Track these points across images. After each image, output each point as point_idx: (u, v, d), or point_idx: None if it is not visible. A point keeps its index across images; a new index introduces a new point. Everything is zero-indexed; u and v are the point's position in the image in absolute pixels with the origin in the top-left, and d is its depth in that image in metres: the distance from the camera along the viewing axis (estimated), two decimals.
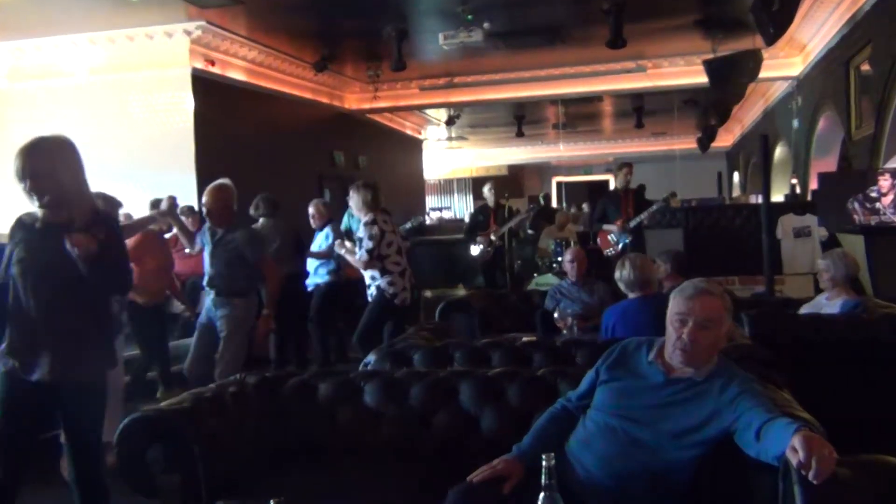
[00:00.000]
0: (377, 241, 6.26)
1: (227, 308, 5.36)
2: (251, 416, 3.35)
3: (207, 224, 5.57)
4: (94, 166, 9.99)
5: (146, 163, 9.36)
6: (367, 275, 6.46)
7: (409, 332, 4.95)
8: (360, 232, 6.35)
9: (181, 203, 7.86)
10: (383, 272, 6.35)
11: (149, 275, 6.55)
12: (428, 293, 10.35)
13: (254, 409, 3.39)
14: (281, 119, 11.50)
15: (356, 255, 6.39)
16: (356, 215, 6.54)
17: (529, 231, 12.39)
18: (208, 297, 5.55)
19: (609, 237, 8.74)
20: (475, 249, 9.90)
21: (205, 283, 5.56)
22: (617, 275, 4.83)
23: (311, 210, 8.12)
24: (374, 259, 6.27)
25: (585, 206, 17.76)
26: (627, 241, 8.54)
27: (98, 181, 9.30)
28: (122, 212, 8.33)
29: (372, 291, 6.43)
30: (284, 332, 7.94)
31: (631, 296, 4.80)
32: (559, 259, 9.19)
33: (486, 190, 10.10)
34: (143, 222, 6.07)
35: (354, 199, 6.42)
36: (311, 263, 8.06)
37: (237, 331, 5.36)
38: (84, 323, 3.31)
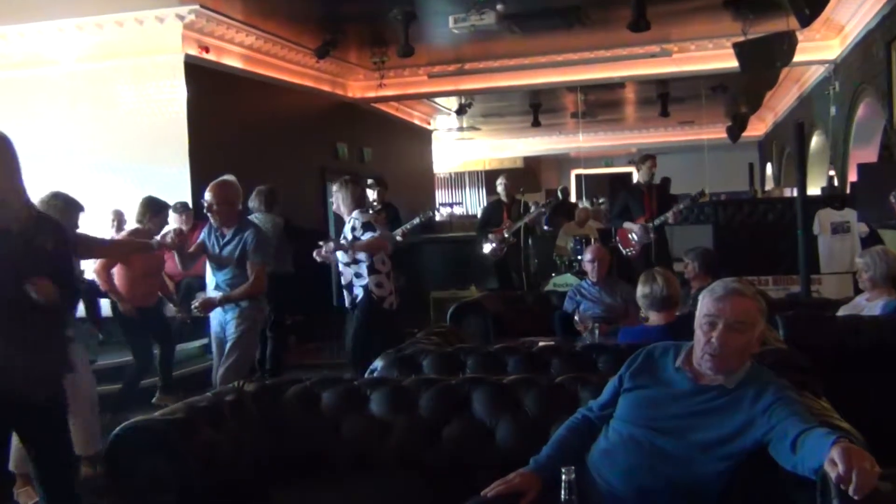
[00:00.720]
0: (382, 225, 6.25)
1: (235, 311, 5.41)
2: (250, 427, 3.35)
3: (213, 225, 5.53)
4: (81, 159, 10.04)
5: (136, 156, 9.39)
6: (349, 273, 6.28)
7: (419, 337, 4.96)
8: (350, 229, 6.21)
9: (174, 199, 7.92)
10: (371, 270, 6.23)
11: (137, 278, 6.57)
12: (438, 294, 10.35)
13: (253, 418, 3.40)
14: (280, 109, 11.51)
15: (377, 235, 6.14)
16: (342, 213, 6.38)
17: (546, 227, 12.37)
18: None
19: (630, 235, 8.72)
20: (488, 247, 9.89)
21: (211, 289, 5.54)
22: (643, 290, 4.62)
23: None
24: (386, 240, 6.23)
25: (604, 201, 17.71)
26: (649, 240, 8.51)
27: (84, 175, 9.38)
28: (112, 211, 8.38)
29: (357, 293, 6.28)
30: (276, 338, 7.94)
31: (651, 317, 4.65)
32: (579, 258, 9.19)
33: (500, 184, 10.09)
34: (139, 246, 6.04)
35: (341, 196, 6.28)
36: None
37: (246, 335, 5.41)
38: (30, 331, 3.26)
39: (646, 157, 8.93)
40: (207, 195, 5.41)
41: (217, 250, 5.47)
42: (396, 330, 6.46)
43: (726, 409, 2.66)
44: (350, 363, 6.34)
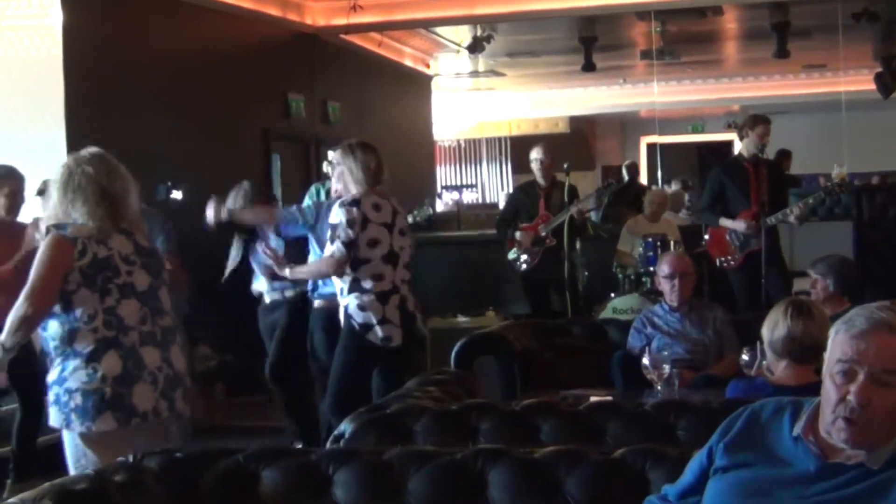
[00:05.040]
0: (357, 230, 6.27)
1: None
2: None
3: None
4: None
5: None
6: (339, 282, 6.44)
7: (409, 387, 4.97)
8: (335, 216, 6.31)
9: (42, 175, 7.92)
10: (352, 287, 6.32)
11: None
12: (438, 324, 10.33)
13: None
14: (203, 43, 11.52)
15: (319, 258, 6.36)
16: (347, 189, 6.46)
17: (603, 223, 12.37)
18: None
19: (728, 237, 8.70)
20: (515, 253, 9.89)
21: None
22: (773, 330, 4.54)
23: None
24: (347, 259, 6.25)
25: (690, 185, 17.68)
26: (758, 244, 8.50)
27: None
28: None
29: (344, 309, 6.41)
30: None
31: (779, 372, 4.57)
32: (651, 269, 9.19)
33: (535, 158, 10.09)
34: None
35: (346, 167, 6.39)
36: None
37: None
38: None
39: (756, 120, 8.91)
40: None
41: None
42: (398, 377, 6.53)
43: (868, 499, 2.66)
44: (329, 410, 6.41)
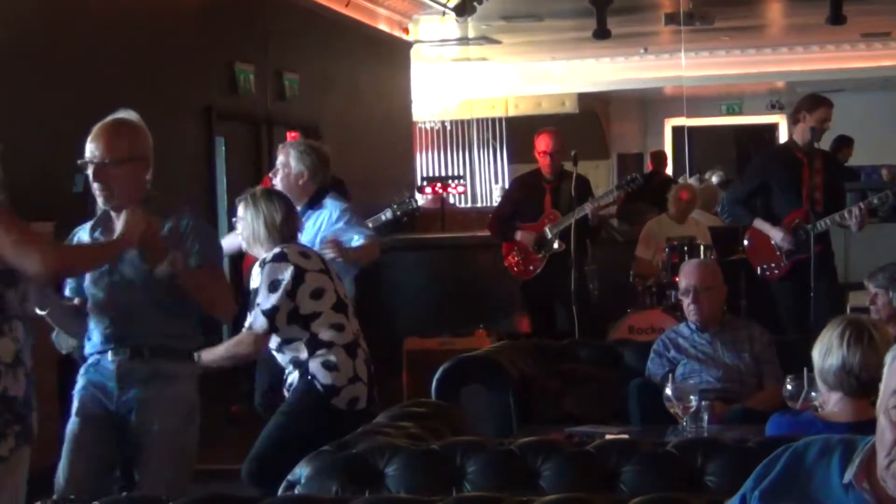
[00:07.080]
0: (286, 292, 6.26)
1: (159, 384, 5.45)
2: None
3: (100, 211, 5.60)
4: None
5: None
6: (284, 360, 6.44)
7: (380, 421, 4.97)
8: (256, 278, 6.32)
9: None
10: (314, 345, 6.28)
11: None
12: (417, 344, 10.34)
13: None
14: (131, 2, 11.52)
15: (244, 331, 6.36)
16: (251, 251, 6.54)
17: (618, 224, 12.39)
18: (91, 367, 5.55)
19: (773, 242, 8.68)
20: (513, 259, 9.90)
21: (95, 339, 5.53)
22: (826, 357, 4.49)
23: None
24: (270, 332, 6.24)
25: (721, 176, 17.72)
26: (807, 252, 8.50)
27: None
28: None
29: (292, 382, 6.38)
30: None
31: (832, 405, 4.57)
32: (676, 280, 9.21)
33: (542, 144, 10.09)
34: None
35: (247, 222, 6.44)
36: None
37: (184, 425, 5.51)
38: None
39: (816, 102, 8.79)
40: (93, 147, 5.41)
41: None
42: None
43: None
44: (247, 475, 6.40)
